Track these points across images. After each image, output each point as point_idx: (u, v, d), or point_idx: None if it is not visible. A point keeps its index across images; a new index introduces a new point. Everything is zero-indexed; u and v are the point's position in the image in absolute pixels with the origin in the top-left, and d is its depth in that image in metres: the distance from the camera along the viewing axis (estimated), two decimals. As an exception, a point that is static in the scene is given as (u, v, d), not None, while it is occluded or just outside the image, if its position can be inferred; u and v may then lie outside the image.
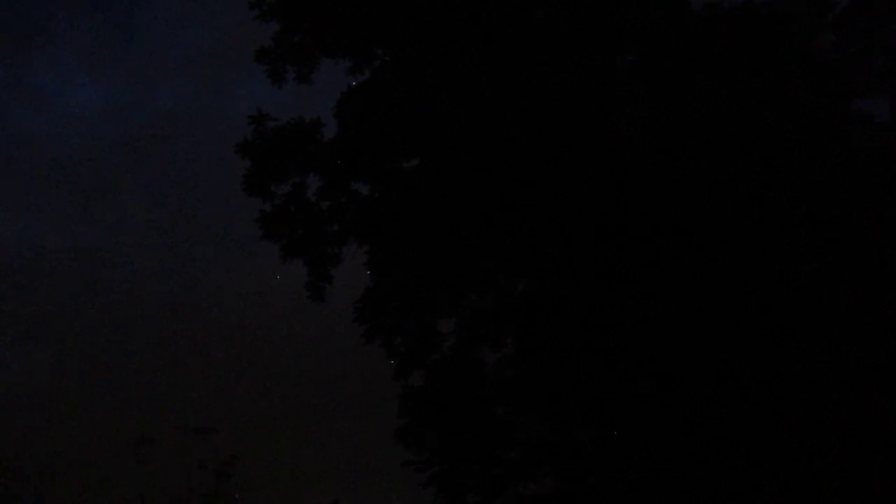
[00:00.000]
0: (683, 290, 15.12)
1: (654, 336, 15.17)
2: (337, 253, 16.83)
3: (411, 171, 16.64)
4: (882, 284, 14.77)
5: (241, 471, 25.49)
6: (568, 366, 15.70)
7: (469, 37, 16.00)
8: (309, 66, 16.66)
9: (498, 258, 16.47)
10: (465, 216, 15.91)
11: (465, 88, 15.94)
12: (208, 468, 25.38)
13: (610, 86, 16.04)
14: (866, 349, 14.52)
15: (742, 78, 15.71)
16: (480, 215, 15.87)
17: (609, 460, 15.72)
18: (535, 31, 16.13)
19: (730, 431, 14.71)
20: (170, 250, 36.45)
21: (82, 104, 42.37)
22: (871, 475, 14.31)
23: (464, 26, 16.02)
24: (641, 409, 15.23)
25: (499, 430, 16.62)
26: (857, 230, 14.97)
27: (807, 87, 16.08)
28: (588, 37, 16.17)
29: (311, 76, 16.72)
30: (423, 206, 16.08)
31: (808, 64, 16.33)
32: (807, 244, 15.12)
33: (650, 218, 15.31)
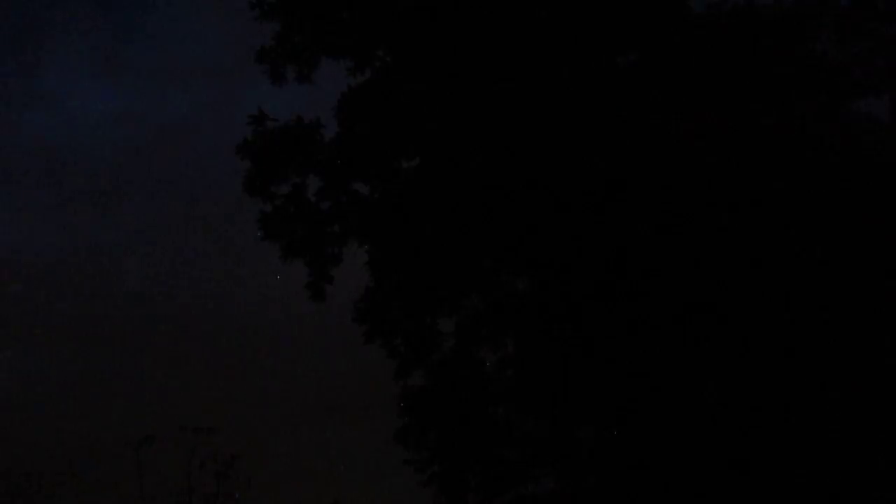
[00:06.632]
0: (684, 289, 15.13)
1: (656, 336, 15.18)
2: (337, 253, 16.83)
3: (412, 171, 16.64)
4: (882, 284, 14.77)
5: (242, 471, 25.46)
6: (568, 366, 15.71)
7: (470, 37, 16.01)
8: (309, 65, 16.64)
9: (498, 258, 16.47)
10: (466, 216, 15.92)
11: (466, 88, 15.94)
12: (209, 468, 25.36)
13: (611, 86, 16.04)
14: (867, 350, 14.53)
15: (743, 78, 15.72)
16: (481, 215, 15.87)
17: (609, 460, 15.72)
18: (536, 31, 16.13)
19: (730, 431, 14.72)
20: (174, 252, 36.48)
21: (93, 109, 42.48)
22: (871, 475, 14.32)
23: (465, 26, 16.02)
24: (642, 410, 15.23)
25: (499, 429, 16.62)
26: (858, 230, 14.98)
27: (808, 87, 16.09)
28: (589, 37, 16.17)
29: (311, 76, 16.71)
30: (423, 206, 16.08)
31: (809, 64, 16.34)
32: (807, 244, 15.12)
33: (651, 218, 15.32)
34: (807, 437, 14.57)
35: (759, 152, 15.40)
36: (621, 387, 15.36)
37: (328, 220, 16.78)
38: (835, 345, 14.66)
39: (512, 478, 16.49)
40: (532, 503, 16.37)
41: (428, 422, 16.57)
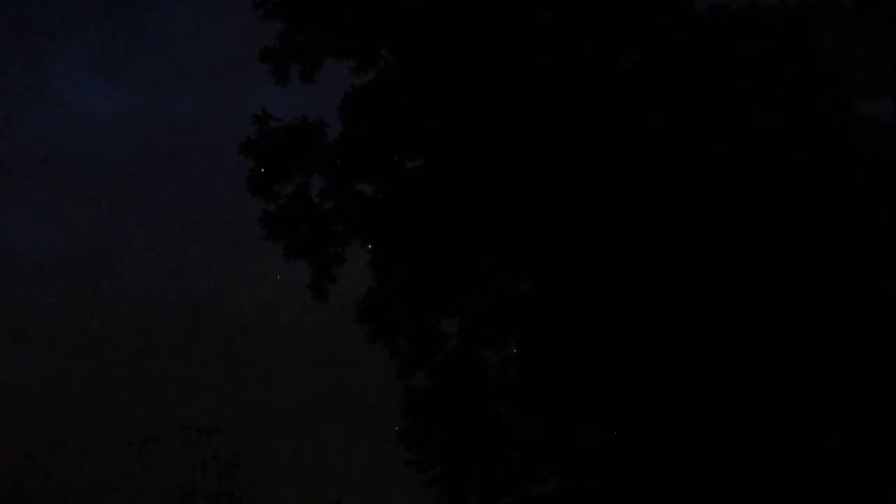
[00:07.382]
0: (686, 290, 15.14)
1: (657, 336, 15.19)
2: (340, 253, 16.84)
3: (415, 171, 16.66)
4: (883, 285, 14.79)
5: (244, 471, 25.50)
6: (570, 367, 15.72)
7: (473, 37, 16.02)
8: (313, 65, 16.66)
9: (501, 258, 16.49)
10: (469, 216, 15.93)
11: (469, 89, 15.96)
12: (211, 468, 25.39)
13: (613, 86, 16.05)
14: (867, 349, 14.54)
15: (746, 79, 15.72)
16: (484, 215, 15.88)
17: (611, 461, 15.73)
18: (539, 32, 16.15)
19: (731, 431, 14.72)
20: (177, 253, 36.47)
21: (95, 109, 42.43)
22: (871, 475, 14.32)
23: (468, 27, 16.04)
24: (643, 410, 15.25)
25: (501, 430, 16.64)
26: (859, 231, 14.99)
27: (810, 89, 16.09)
28: (591, 38, 16.18)
29: (315, 76, 16.72)
30: (426, 207, 16.09)
31: (813, 66, 16.34)
32: (809, 245, 15.13)
33: (653, 218, 15.33)
34: (807, 436, 14.58)
35: (762, 153, 15.40)
36: (623, 387, 15.37)
37: (331, 220, 16.79)
38: (835, 344, 14.66)
39: (514, 478, 16.50)
40: (534, 503, 16.39)
41: (430, 422, 16.58)
